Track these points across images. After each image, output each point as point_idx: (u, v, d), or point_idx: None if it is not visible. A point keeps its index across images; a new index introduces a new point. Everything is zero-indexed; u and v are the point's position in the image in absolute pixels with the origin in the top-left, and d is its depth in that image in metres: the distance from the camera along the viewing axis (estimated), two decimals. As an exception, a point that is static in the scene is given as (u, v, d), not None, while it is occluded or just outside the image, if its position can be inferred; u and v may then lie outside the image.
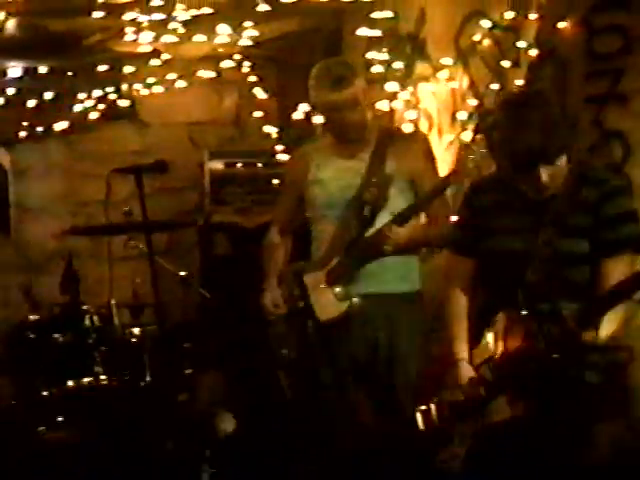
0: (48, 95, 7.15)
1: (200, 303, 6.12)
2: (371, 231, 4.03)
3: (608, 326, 2.96)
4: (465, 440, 3.29)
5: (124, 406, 4.94)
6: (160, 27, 6.18)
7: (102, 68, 7.05)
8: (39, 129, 7.29)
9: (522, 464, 3.14)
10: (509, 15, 4.85)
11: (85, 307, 5.31)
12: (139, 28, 6.20)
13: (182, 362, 5.37)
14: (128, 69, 7.15)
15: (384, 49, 5.91)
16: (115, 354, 5.16)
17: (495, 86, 5.00)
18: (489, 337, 3.26)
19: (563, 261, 3.14)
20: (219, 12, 6.06)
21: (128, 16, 6.00)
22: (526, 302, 3.14)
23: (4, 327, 5.61)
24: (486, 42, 5.07)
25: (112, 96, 7.27)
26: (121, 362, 5.15)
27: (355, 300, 4.03)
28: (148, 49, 6.74)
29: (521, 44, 4.77)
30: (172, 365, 5.23)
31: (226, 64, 7.17)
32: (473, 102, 5.23)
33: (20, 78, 7.10)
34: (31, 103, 7.17)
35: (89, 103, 7.24)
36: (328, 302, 4.05)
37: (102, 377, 5.08)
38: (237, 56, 7.15)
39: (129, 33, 6.28)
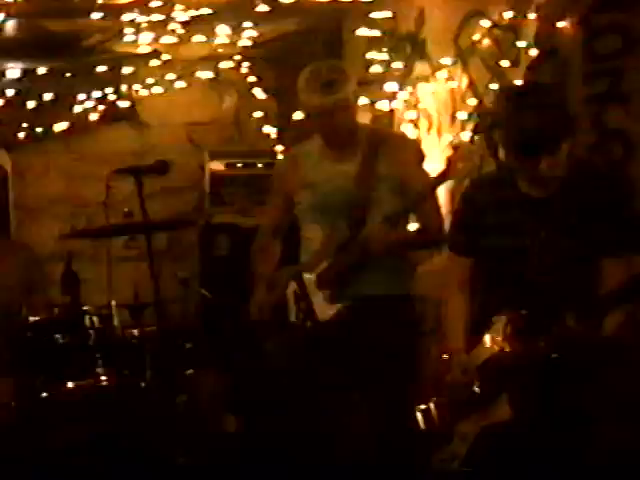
0: (48, 96, 7.14)
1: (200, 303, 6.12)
2: (361, 234, 3.97)
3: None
4: (465, 440, 3.30)
5: (124, 406, 4.93)
6: (159, 28, 6.19)
7: (102, 69, 7.06)
8: (39, 130, 7.30)
9: (522, 464, 3.15)
10: (508, 15, 4.85)
11: (85, 308, 5.31)
12: (138, 29, 6.20)
13: (182, 362, 5.37)
14: (127, 70, 7.16)
15: (384, 49, 5.91)
16: (115, 354, 5.16)
17: (494, 86, 5.00)
18: (488, 337, 3.26)
19: (563, 261, 3.14)
20: (218, 13, 6.07)
21: (127, 17, 6.00)
22: (526, 302, 3.14)
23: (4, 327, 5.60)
24: (485, 42, 5.07)
25: (112, 97, 7.28)
26: (121, 362, 5.15)
27: (346, 303, 4.01)
28: (147, 50, 6.74)
29: (521, 44, 4.77)
30: (172, 365, 5.23)
31: (225, 65, 7.18)
32: (472, 102, 5.24)
33: (20, 79, 7.10)
34: (31, 104, 7.16)
35: (89, 104, 7.24)
36: (318, 305, 4.03)
37: (102, 378, 5.08)
38: (236, 57, 7.16)
39: (128, 34, 6.28)
